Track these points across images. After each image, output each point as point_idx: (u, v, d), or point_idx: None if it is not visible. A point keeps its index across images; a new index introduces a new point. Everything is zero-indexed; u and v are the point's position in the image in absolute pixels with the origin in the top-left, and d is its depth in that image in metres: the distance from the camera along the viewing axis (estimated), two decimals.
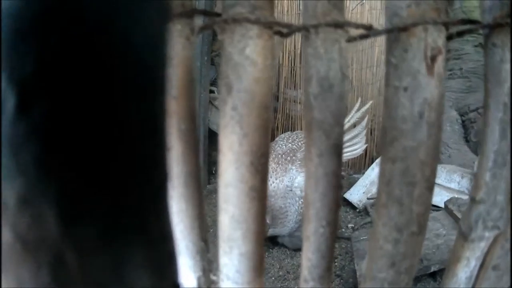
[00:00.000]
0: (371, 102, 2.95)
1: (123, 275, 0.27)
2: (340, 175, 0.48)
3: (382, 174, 0.47)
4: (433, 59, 0.44)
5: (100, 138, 0.24)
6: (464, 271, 0.56)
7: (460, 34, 0.52)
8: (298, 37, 3.71)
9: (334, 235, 0.50)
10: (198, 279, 0.57)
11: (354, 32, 0.49)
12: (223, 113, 0.47)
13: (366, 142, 3.01)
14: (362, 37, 0.49)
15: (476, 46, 4.02)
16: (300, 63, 3.76)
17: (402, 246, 0.48)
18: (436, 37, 0.44)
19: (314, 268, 0.52)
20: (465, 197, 2.54)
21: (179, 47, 0.50)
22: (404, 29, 0.44)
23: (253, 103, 0.46)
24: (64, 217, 0.24)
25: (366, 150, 3.63)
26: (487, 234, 0.52)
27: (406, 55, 0.44)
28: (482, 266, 0.56)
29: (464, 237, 0.54)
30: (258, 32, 0.46)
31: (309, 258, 0.52)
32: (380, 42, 3.64)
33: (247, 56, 0.46)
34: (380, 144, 0.46)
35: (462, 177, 2.73)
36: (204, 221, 0.56)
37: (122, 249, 0.27)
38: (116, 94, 0.25)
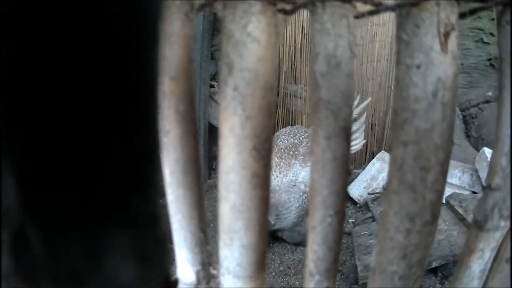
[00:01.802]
0: (369, 98, 2.94)
1: (99, 262, 0.24)
2: (349, 160, 0.45)
3: (393, 159, 0.44)
4: (447, 35, 0.41)
5: (69, 102, 0.21)
6: (478, 263, 0.53)
7: (472, 12, 0.50)
8: (298, 30, 3.69)
9: (342, 226, 0.48)
10: (197, 273, 0.54)
11: (363, 8, 0.47)
12: (224, 94, 0.44)
13: (365, 137, 3.00)
14: (371, 13, 0.46)
15: (476, 41, 4.02)
16: (301, 57, 3.74)
17: (415, 236, 0.45)
18: (449, 13, 0.42)
19: (320, 261, 0.49)
20: (466, 192, 2.54)
21: (178, 24, 0.47)
22: (416, 3, 0.41)
23: (256, 83, 0.43)
24: (27, 191, 0.21)
25: (366, 145, 3.62)
26: (502, 223, 0.49)
27: (418, 31, 0.41)
28: (495, 258, 0.53)
29: (479, 226, 0.51)
30: (261, 8, 0.43)
31: (315, 250, 0.49)
32: (380, 37, 3.61)
33: (250, 33, 0.43)
34: (391, 127, 0.43)
35: (463, 173, 2.73)
36: (204, 210, 0.53)
37: (98, 231, 0.23)
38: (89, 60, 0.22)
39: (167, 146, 0.48)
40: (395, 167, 0.43)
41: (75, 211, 0.23)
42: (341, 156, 0.44)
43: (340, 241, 0.49)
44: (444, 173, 0.44)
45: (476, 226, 0.51)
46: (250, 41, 0.43)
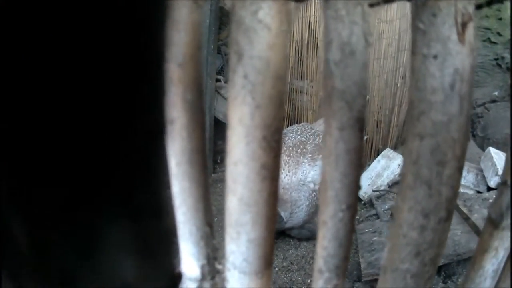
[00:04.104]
0: (367, 96, 2.93)
1: (96, 258, 0.22)
2: (362, 153, 0.43)
3: (408, 153, 0.42)
4: (464, 25, 0.40)
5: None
6: (491, 263, 0.52)
7: (489, 3, 0.49)
8: (305, 26, 3.67)
9: (353, 221, 0.46)
10: (202, 267, 0.53)
11: None
12: (233, 83, 0.43)
13: (366, 134, 3.00)
14: (387, 1, 0.45)
15: (484, 41, 4.00)
16: (308, 53, 3.72)
17: (429, 233, 0.43)
18: (466, 3, 0.40)
19: (330, 258, 0.48)
20: (471, 192, 2.53)
21: (186, 10, 0.45)
22: None
23: (267, 72, 0.41)
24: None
25: (372, 142, 3.62)
26: None
27: (435, 20, 0.40)
28: (510, 257, 0.52)
29: (494, 225, 0.49)
30: None
31: (325, 246, 0.47)
32: (387, 34, 3.59)
33: (260, 19, 0.41)
34: (407, 120, 0.42)
35: (468, 172, 2.72)
36: (210, 203, 0.51)
37: (95, 222, 0.22)
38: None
39: (173, 135, 0.46)
40: (410, 161, 0.42)
41: (68, 201, 0.21)
42: (355, 148, 0.42)
43: (351, 237, 0.47)
44: (460, 169, 0.42)
45: (491, 224, 0.50)
46: (261, 28, 0.41)
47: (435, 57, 0.39)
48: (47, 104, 0.20)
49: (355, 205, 0.45)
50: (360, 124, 0.42)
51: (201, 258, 0.52)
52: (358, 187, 0.45)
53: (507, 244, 0.50)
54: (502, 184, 0.48)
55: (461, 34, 0.40)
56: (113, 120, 0.21)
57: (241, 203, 0.45)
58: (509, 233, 0.49)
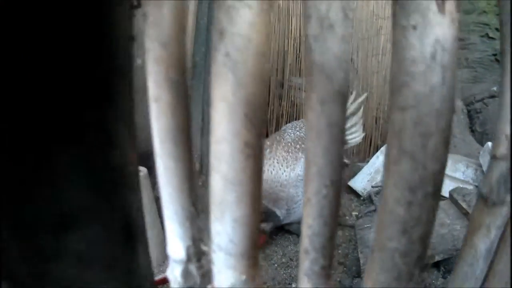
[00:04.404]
0: (365, 94, 2.93)
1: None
2: (344, 128, 0.43)
3: (391, 127, 0.42)
4: None
5: None
6: (483, 242, 0.51)
7: None
8: (303, 24, 3.67)
9: (339, 199, 0.45)
10: (187, 249, 0.52)
11: None
12: (215, 61, 0.42)
13: (364, 131, 3.01)
14: None
15: (482, 36, 4.00)
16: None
17: (416, 209, 0.43)
18: None
19: (315, 237, 0.47)
20: (470, 187, 2.53)
21: None
22: None
23: (248, 49, 0.41)
24: None
25: (370, 138, 3.62)
26: (508, 197, 0.47)
27: None
28: (501, 238, 0.51)
29: (484, 200, 0.49)
30: None
31: (310, 224, 0.47)
32: (385, 30, 3.60)
33: None
34: (389, 93, 0.41)
35: (467, 167, 2.72)
36: (195, 183, 0.50)
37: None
38: None
39: (157, 113, 0.46)
40: (394, 135, 0.41)
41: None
42: (337, 122, 0.42)
43: (337, 216, 0.47)
44: (445, 143, 0.42)
45: (481, 201, 0.49)
46: (242, 6, 0.41)
47: (414, 27, 0.39)
48: None
49: (339, 181, 0.45)
50: (341, 98, 0.42)
51: (187, 239, 0.52)
52: (342, 163, 0.44)
53: (499, 222, 0.50)
54: (492, 158, 0.48)
55: (441, 4, 0.39)
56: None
57: (225, 181, 0.44)
58: (500, 210, 0.49)
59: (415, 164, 0.41)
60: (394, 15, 0.40)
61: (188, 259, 0.53)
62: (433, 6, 0.38)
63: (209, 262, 0.50)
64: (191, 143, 0.49)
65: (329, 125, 0.42)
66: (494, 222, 0.50)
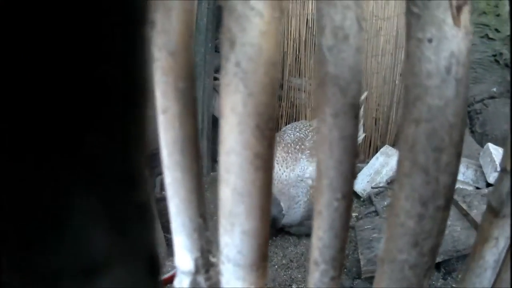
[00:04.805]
0: (365, 93, 2.93)
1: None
2: (357, 140, 0.42)
3: (404, 140, 0.41)
4: (459, 9, 0.39)
5: None
6: (491, 253, 0.51)
7: None
8: (303, 24, 3.67)
9: (349, 211, 0.45)
10: (195, 260, 0.52)
11: None
12: (225, 71, 0.42)
13: (365, 131, 3.00)
14: None
15: (482, 37, 3.99)
16: (305, 51, 3.73)
17: (427, 222, 0.43)
18: None
19: (326, 249, 0.47)
20: (470, 188, 2.52)
21: None
22: None
23: (259, 59, 0.41)
24: None
25: (370, 139, 3.62)
26: None
27: (429, 3, 0.39)
28: (509, 248, 0.51)
29: (494, 213, 0.48)
30: None
31: (321, 237, 0.46)
32: (385, 31, 3.59)
33: (252, 6, 0.40)
34: (402, 106, 0.41)
35: (467, 168, 2.71)
36: (203, 194, 0.50)
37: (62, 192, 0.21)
38: None
39: (164, 125, 0.45)
40: (407, 148, 0.41)
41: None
42: (349, 135, 0.41)
43: (347, 228, 0.46)
44: (458, 155, 0.42)
45: (491, 213, 0.49)
46: (253, 15, 0.40)
47: (430, 40, 0.38)
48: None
49: (350, 194, 0.44)
50: (354, 111, 0.41)
51: (195, 251, 0.51)
52: (353, 176, 0.44)
53: (508, 233, 0.49)
54: (502, 171, 0.47)
55: (456, 17, 0.39)
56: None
57: (235, 193, 0.44)
58: (509, 221, 0.48)
59: (428, 178, 0.41)
60: (409, 26, 0.40)
61: (197, 271, 0.52)
62: (449, 19, 0.38)
63: (217, 273, 0.49)
64: (199, 154, 0.48)
65: (342, 138, 0.41)
66: (503, 234, 0.49)
